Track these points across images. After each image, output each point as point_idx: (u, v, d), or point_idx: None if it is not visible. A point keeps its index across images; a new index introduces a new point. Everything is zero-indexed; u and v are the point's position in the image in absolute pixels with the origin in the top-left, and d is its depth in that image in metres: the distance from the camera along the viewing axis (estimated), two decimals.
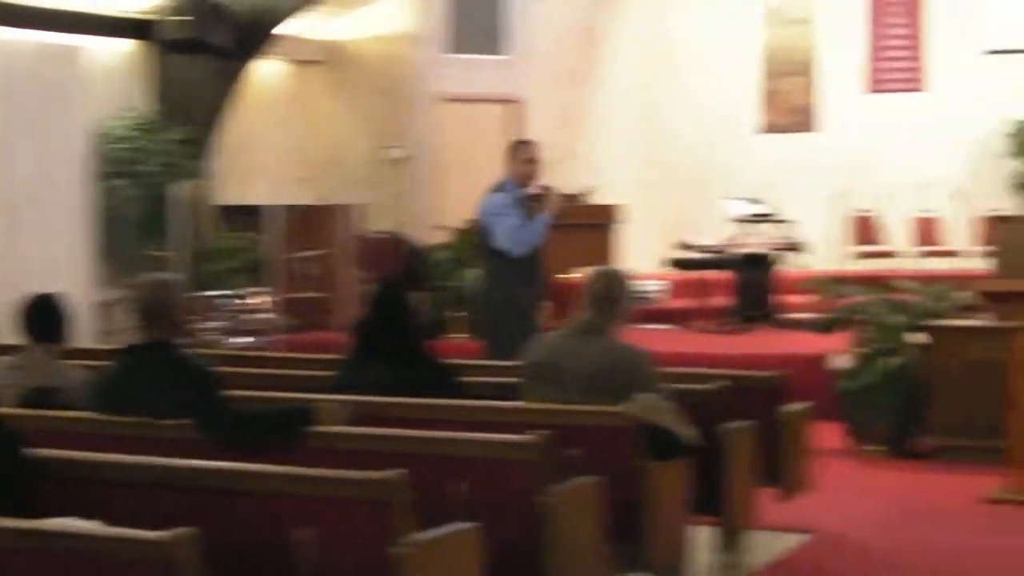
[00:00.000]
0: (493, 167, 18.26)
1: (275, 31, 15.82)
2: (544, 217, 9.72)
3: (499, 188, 9.86)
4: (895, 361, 10.59)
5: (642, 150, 19.98)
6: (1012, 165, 18.41)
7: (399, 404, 6.54)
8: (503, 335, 9.50)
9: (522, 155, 9.85)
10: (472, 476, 5.54)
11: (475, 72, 18.45)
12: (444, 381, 6.93)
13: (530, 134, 18.43)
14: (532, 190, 9.90)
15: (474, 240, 14.23)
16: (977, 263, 16.48)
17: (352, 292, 14.18)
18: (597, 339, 6.64)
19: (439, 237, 15.50)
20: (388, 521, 4.77)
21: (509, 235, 9.58)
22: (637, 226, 18.48)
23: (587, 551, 5.89)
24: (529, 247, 9.62)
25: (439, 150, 18.12)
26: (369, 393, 6.61)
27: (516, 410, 6.56)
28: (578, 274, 16.41)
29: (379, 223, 17.11)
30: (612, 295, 6.76)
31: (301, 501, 4.94)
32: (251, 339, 13.41)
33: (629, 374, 6.53)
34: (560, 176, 18.66)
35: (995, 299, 10.30)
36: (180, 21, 14.79)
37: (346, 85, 18.12)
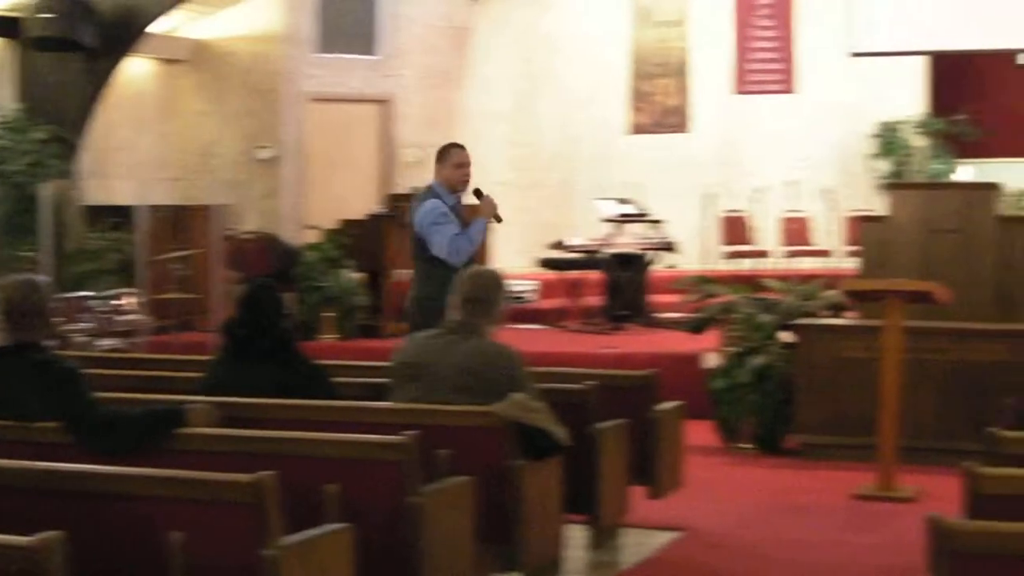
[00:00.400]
0: (364, 167, 18.37)
1: (144, 30, 15.65)
2: (480, 222, 9.43)
3: (429, 195, 9.46)
4: (765, 360, 10.69)
5: (515, 150, 20.03)
6: (878, 165, 18.69)
7: (270, 405, 6.49)
8: None
9: (454, 160, 9.44)
10: (344, 477, 5.51)
11: (345, 72, 18.39)
12: (317, 382, 6.88)
13: (401, 134, 18.49)
14: (469, 195, 9.63)
15: (346, 243, 14.22)
16: (846, 262, 16.73)
17: (222, 293, 14.06)
18: (468, 339, 6.63)
19: (310, 237, 15.42)
20: (260, 523, 4.73)
21: (449, 245, 9.22)
22: (510, 226, 18.49)
23: (459, 551, 5.88)
24: (468, 255, 9.26)
25: (309, 150, 18.04)
26: (241, 394, 6.55)
27: (388, 411, 6.53)
28: None
29: (249, 223, 17.02)
30: (483, 295, 6.74)
31: (172, 504, 4.88)
32: (120, 341, 13.24)
33: (500, 374, 6.52)
34: (431, 175, 18.71)
35: (860, 298, 10.42)
36: (46, 18, 14.58)
37: (215, 85, 17.99)
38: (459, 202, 9.48)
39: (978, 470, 4.84)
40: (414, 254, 9.49)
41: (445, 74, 19.51)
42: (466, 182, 9.46)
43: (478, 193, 9.50)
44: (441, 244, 9.20)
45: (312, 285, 14.02)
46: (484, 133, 19.81)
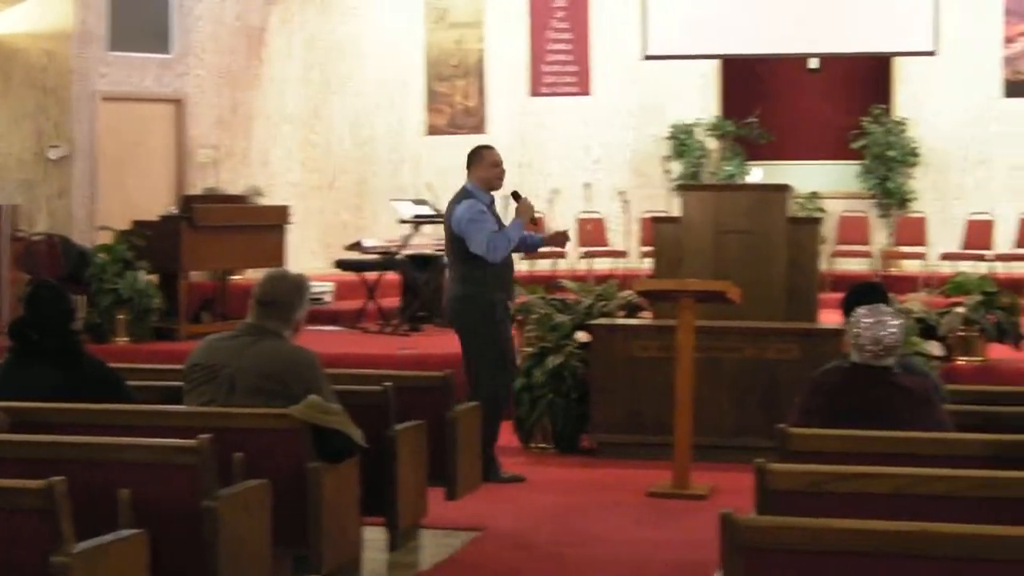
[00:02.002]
0: (157, 167, 18.12)
1: None
2: (518, 223, 9.62)
3: (465, 195, 9.67)
4: (562, 359, 10.76)
5: (309, 151, 19.91)
6: (672, 167, 18.95)
7: (60, 409, 6.37)
8: (489, 339, 9.60)
9: (489, 160, 9.72)
10: (137, 482, 5.43)
11: (138, 70, 18.12)
12: (109, 385, 6.77)
13: (195, 134, 18.28)
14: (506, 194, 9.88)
15: (139, 244, 14.02)
16: (642, 263, 16.94)
17: (12, 295, 13.76)
18: (263, 341, 6.56)
19: (102, 238, 15.15)
20: (50, 530, 4.64)
21: (488, 242, 9.41)
22: (308, 227, 18.48)
23: (256, 555, 5.83)
24: (506, 252, 9.51)
25: (101, 150, 17.74)
26: (30, 398, 6.41)
27: (182, 414, 6.45)
28: (243, 276, 16.30)
29: (39, 224, 16.68)
30: (278, 299, 6.67)
31: None
32: None
33: (296, 376, 6.47)
34: (226, 176, 18.55)
35: (654, 298, 10.55)
36: None
37: (2, 82, 17.61)
38: (493, 202, 9.74)
39: (768, 466, 4.93)
40: (451, 255, 9.71)
41: (239, 74, 19.33)
42: (502, 179, 9.78)
43: (516, 196, 9.79)
44: (480, 241, 9.40)
45: (104, 287, 13.78)
46: (278, 134, 19.68)
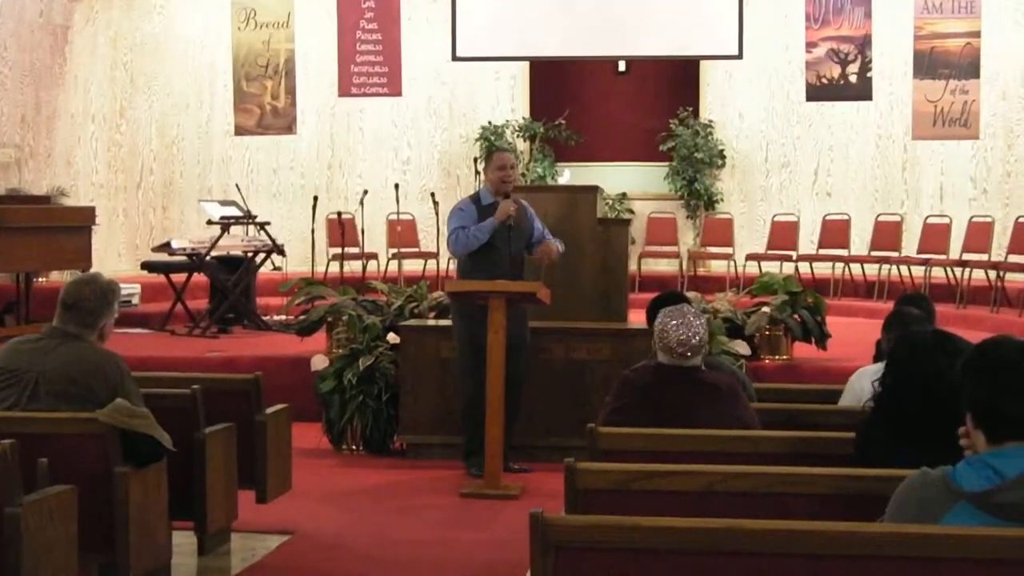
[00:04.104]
0: None
1: None
2: (488, 223, 9.87)
3: (471, 195, 10.28)
4: (372, 361, 10.74)
5: (115, 151, 19.60)
6: (482, 168, 18.99)
7: None
8: (460, 335, 10.04)
9: (495, 163, 10.14)
10: None
11: None
12: None
13: None
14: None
15: None
16: (452, 264, 16.94)
17: None
18: (67, 345, 6.46)
19: None
20: None
21: (449, 236, 10.00)
22: (115, 229, 18.22)
23: (61, 562, 5.73)
24: (465, 248, 9.91)
25: None
26: None
27: None
28: (48, 278, 16.02)
29: None
30: (83, 301, 6.56)
31: None
32: None
33: (101, 380, 6.39)
34: (29, 176, 18.20)
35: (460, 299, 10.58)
36: None
37: None
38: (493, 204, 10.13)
39: (577, 465, 4.97)
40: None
41: (43, 72, 18.95)
42: (507, 183, 10.09)
43: (505, 196, 10.06)
44: (447, 235, 10.00)
45: None
46: (83, 134, 19.35)
